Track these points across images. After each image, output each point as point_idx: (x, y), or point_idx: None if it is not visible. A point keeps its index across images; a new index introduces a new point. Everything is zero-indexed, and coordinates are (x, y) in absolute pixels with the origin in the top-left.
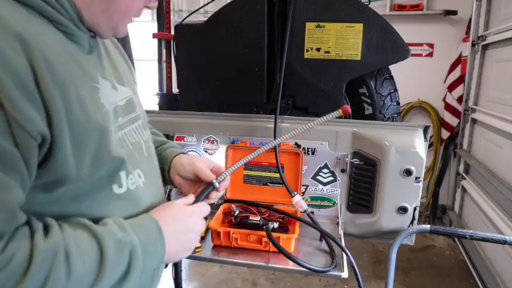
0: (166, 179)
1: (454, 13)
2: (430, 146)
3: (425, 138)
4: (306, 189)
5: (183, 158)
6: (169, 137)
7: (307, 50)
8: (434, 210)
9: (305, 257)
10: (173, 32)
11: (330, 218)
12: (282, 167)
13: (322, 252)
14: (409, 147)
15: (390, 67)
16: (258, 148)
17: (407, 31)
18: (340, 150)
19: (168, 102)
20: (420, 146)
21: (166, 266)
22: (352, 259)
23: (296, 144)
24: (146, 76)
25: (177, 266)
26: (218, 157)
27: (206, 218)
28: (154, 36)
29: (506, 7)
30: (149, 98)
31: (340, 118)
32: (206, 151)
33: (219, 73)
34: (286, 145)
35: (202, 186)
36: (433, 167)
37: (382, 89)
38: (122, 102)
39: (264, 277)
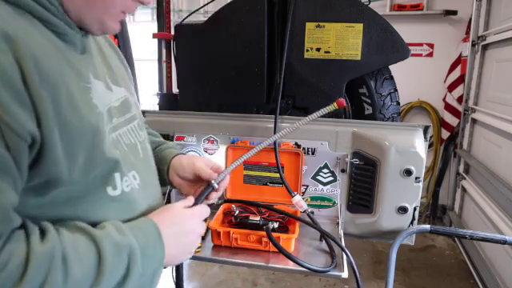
0: (165, 180)
1: (454, 13)
2: (430, 146)
3: (425, 138)
4: (305, 189)
5: (182, 158)
6: (169, 137)
7: (307, 50)
8: (433, 210)
9: (305, 257)
10: (173, 32)
11: (330, 217)
12: (282, 167)
13: (321, 252)
14: (409, 147)
15: (390, 67)
16: (257, 146)
17: (407, 31)
18: (340, 150)
19: (168, 102)
20: (420, 146)
21: (165, 266)
22: (352, 259)
23: (296, 144)
24: (146, 76)
25: (178, 268)
26: (218, 157)
27: (205, 220)
28: (154, 36)
29: (506, 7)
30: (149, 98)
31: (340, 117)
32: (205, 151)
33: (219, 73)
34: (286, 145)
35: (201, 186)
36: (433, 167)
37: (382, 89)
38: (116, 103)
39: (264, 277)
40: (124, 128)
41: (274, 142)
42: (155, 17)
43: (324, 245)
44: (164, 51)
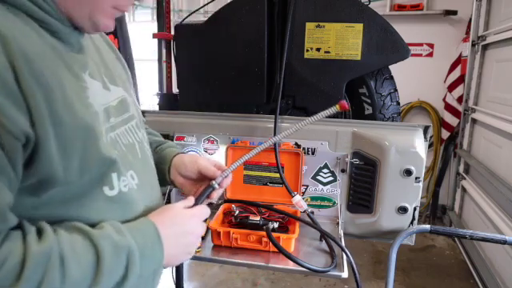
0: (166, 180)
1: (454, 13)
2: (430, 146)
3: (425, 138)
4: (306, 189)
5: (184, 156)
6: (169, 137)
7: (307, 50)
8: (434, 210)
9: (305, 257)
10: (173, 32)
11: (330, 217)
12: (282, 167)
13: (322, 252)
14: (409, 147)
15: (390, 67)
16: (259, 146)
17: (407, 31)
18: (340, 150)
19: (168, 102)
20: (420, 146)
21: (165, 267)
22: (352, 259)
23: (296, 144)
24: (146, 76)
25: (178, 268)
26: (218, 157)
27: (205, 221)
28: (154, 36)
29: (506, 7)
30: (149, 98)
31: (340, 117)
32: (205, 151)
33: (219, 73)
34: (286, 145)
35: (203, 186)
36: (433, 167)
37: (382, 89)
38: (114, 103)
39: (264, 277)
40: (122, 128)
41: (274, 143)
42: (155, 17)
43: (324, 245)
44: (164, 51)
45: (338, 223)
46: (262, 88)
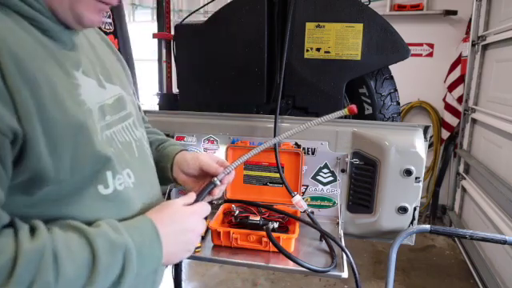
0: (169, 178)
1: (454, 13)
2: (430, 146)
3: (425, 138)
4: (306, 189)
5: (186, 154)
6: (169, 137)
7: (307, 50)
8: (434, 210)
9: (305, 257)
10: (173, 32)
11: (330, 217)
12: (282, 167)
13: (322, 252)
14: (409, 147)
15: (390, 67)
16: (264, 144)
17: (407, 31)
18: (340, 150)
19: (168, 102)
20: (420, 146)
21: (167, 265)
22: (352, 259)
23: (296, 144)
24: (146, 76)
25: (177, 266)
26: None
27: (206, 218)
28: (154, 36)
29: (506, 7)
30: (149, 98)
31: (340, 117)
32: (205, 151)
33: (219, 73)
34: (286, 145)
35: (206, 183)
36: (433, 167)
37: (382, 89)
38: (110, 101)
39: (264, 277)
40: (118, 126)
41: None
42: (155, 17)
43: (324, 245)
44: (164, 51)
45: (338, 223)
46: (262, 88)
